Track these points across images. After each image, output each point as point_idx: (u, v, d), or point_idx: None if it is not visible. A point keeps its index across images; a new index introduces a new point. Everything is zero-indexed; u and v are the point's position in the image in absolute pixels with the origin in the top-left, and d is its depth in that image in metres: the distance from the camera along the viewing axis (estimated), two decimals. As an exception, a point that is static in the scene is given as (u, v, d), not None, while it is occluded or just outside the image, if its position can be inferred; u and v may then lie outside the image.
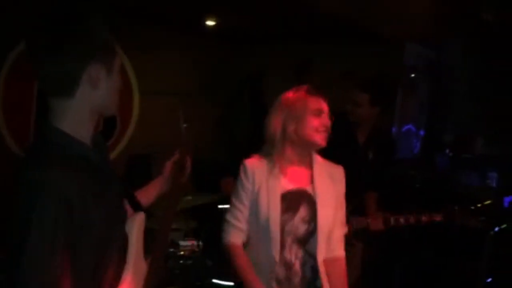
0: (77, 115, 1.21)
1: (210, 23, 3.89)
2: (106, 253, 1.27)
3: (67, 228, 1.10)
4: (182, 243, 3.35)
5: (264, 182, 1.89)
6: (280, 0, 3.14)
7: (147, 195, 1.60)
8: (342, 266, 1.99)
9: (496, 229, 3.64)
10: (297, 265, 1.91)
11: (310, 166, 1.95)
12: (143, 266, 1.43)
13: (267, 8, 3.38)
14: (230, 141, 4.48)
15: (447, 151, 4.55)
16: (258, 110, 4.38)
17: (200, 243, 3.33)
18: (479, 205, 3.82)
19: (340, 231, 2.00)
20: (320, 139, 1.87)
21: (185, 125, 1.73)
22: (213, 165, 3.92)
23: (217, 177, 3.69)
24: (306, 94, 1.89)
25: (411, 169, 3.99)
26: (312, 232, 1.90)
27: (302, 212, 1.90)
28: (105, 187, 1.27)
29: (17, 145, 3.43)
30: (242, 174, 1.95)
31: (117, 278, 1.32)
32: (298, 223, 1.89)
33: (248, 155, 2.00)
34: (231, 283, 2.18)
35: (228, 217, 1.98)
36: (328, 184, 1.93)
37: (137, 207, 1.48)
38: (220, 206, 3.65)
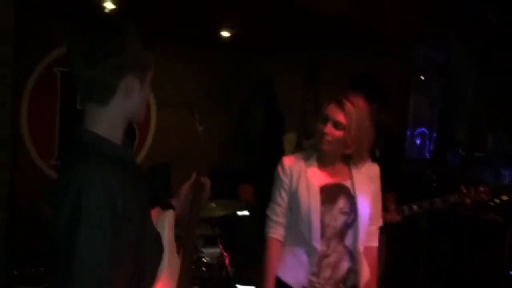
0: (110, 121, 1.28)
1: (223, 34, 3.97)
2: (144, 246, 1.32)
3: (113, 221, 1.15)
4: (205, 250, 3.42)
5: (303, 176, 2.00)
6: (287, 6, 3.21)
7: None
8: (374, 255, 2.09)
9: (516, 223, 3.68)
10: (331, 258, 1.98)
11: (348, 163, 2.04)
12: (176, 261, 1.49)
13: (274, 16, 3.46)
14: (245, 148, 4.54)
15: (460, 150, 4.59)
16: (273, 116, 4.46)
17: (222, 249, 3.40)
18: (497, 200, 3.87)
19: (375, 225, 2.10)
20: (320, 143, 1.96)
21: (202, 128, 1.80)
22: (230, 173, 3.99)
23: (234, 185, 3.75)
24: (331, 99, 1.97)
25: (426, 168, 4.03)
26: (350, 224, 1.98)
27: (341, 203, 1.98)
28: (137, 185, 1.33)
29: (41, 159, 3.51)
30: (280, 170, 2.06)
31: (154, 270, 1.39)
32: (337, 214, 1.97)
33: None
34: (253, 288, 2.24)
35: (268, 212, 2.09)
36: (366, 180, 2.02)
37: (167, 205, 1.55)
38: (239, 213, 3.71)
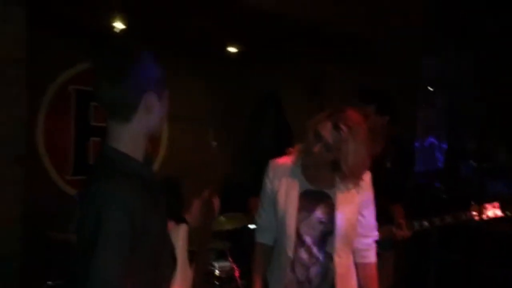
0: (133, 137, 1.36)
1: (230, 49, 4.05)
2: (162, 257, 1.41)
3: (130, 236, 1.24)
4: (216, 263, 3.45)
5: (285, 181, 1.94)
6: (291, 21, 3.27)
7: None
8: (372, 272, 2.02)
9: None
10: (316, 267, 1.94)
11: (334, 169, 1.89)
12: (189, 273, 1.58)
13: (278, 31, 3.52)
14: (254, 161, 4.58)
15: (471, 161, 4.58)
16: (283, 128, 4.50)
17: (232, 262, 3.42)
18: (509, 213, 3.84)
19: (369, 238, 2.02)
20: (307, 158, 1.89)
21: (215, 143, 1.85)
22: (239, 187, 4.02)
23: (244, 198, 3.78)
24: (329, 117, 1.84)
25: (436, 180, 4.03)
26: (328, 234, 1.91)
27: (319, 213, 1.92)
28: (156, 201, 1.40)
29: (58, 174, 3.60)
30: (265, 175, 2.01)
31: (169, 280, 1.47)
32: (314, 223, 1.91)
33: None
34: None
35: (256, 217, 2.08)
36: (351, 190, 1.90)
37: (181, 219, 1.62)
38: (250, 226, 3.73)
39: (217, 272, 3.40)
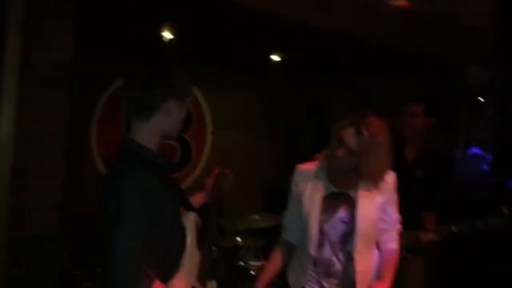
0: (150, 134, 1.59)
1: (275, 58, 4.19)
2: (174, 239, 1.61)
3: (148, 216, 1.46)
4: (252, 262, 3.58)
5: (310, 185, 2.04)
6: (338, 34, 3.36)
7: (195, 199, 1.96)
8: (391, 255, 2.07)
9: None
10: (337, 265, 2.02)
11: (357, 172, 1.97)
12: (197, 255, 1.75)
13: (328, 43, 3.61)
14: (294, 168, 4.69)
15: (521, 173, 4.39)
16: (325, 138, 4.57)
17: (265, 261, 3.51)
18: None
19: (393, 230, 2.10)
20: (331, 163, 1.95)
21: (212, 133, 2.03)
22: (282, 190, 4.14)
23: (281, 200, 3.89)
24: (350, 122, 1.91)
25: (481, 191, 3.92)
26: (350, 233, 1.98)
27: (341, 213, 2.00)
28: (170, 185, 1.63)
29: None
30: (292, 180, 2.13)
31: (179, 261, 1.65)
32: (337, 223, 1.99)
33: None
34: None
35: (282, 218, 2.20)
36: (373, 191, 1.98)
37: (189, 207, 1.80)
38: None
39: (252, 271, 3.52)
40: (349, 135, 1.88)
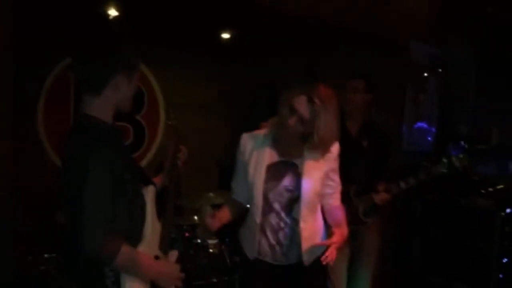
0: (103, 108, 1.62)
1: (224, 36, 4.18)
2: (134, 209, 1.65)
3: (111, 180, 1.50)
4: (210, 241, 3.61)
5: (255, 153, 2.08)
6: (287, 12, 3.39)
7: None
8: (338, 209, 2.18)
9: (508, 210, 3.74)
10: (285, 230, 2.10)
11: (303, 141, 2.03)
12: (158, 226, 1.79)
13: (278, 20, 3.64)
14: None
15: (462, 143, 4.65)
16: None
17: (227, 239, 3.57)
18: (490, 189, 3.95)
19: (336, 193, 2.20)
20: (281, 131, 2.01)
21: (170, 122, 2.09)
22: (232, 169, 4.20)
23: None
24: (302, 91, 1.94)
25: (425, 161, 4.12)
26: (295, 200, 2.06)
27: (286, 181, 2.07)
28: (127, 155, 1.70)
29: (57, 155, 3.81)
30: (238, 148, 2.17)
31: (140, 231, 1.69)
32: (282, 191, 2.07)
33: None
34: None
35: (231, 182, 2.26)
36: (318, 159, 2.05)
37: (147, 181, 1.83)
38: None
39: (211, 249, 3.57)
40: (301, 103, 1.91)
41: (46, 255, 3.03)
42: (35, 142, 3.74)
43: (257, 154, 2.07)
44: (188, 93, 4.52)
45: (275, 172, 2.07)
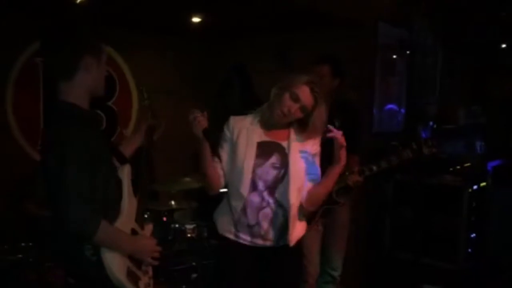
0: (77, 92, 1.69)
1: (194, 20, 4.14)
2: (110, 186, 1.73)
3: (89, 160, 1.58)
4: (188, 226, 3.64)
5: (244, 132, 2.17)
6: None
7: (129, 148, 2.08)
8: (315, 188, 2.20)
9: (475, 187, 3.90)
10: (266, 210, 2.15)
11: (289, 126, 2.20)
12: (134, 201, 1.88)
13: (243, 3, 3.64)
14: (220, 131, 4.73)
15: (431, 123, 4.78)
16: (250, 99, 4.64)
17: (205, 224, 3.59)
18: (458, 167, 4.10)
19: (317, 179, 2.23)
20: (278, 116, 2.11)
21: (146, 102, 2.19)
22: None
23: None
24: (306, 82, 2.08)
25: (395, 140, 4.24)
26: (281, 179, 2.14)
27: (273, 159, 2.15)
28: (102, 138, 1.80)
29: (28, 144, 3.74)
30: (225, 127, 2.24)
31: (117, 207, 1.78)
32: (269, 168, 2.14)
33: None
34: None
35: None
36: (304, 143, 2.18)
37: (123, 160, 1.93)
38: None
39: (189, 234, 3.59)
40: (305, 94, 2.07)
41: (23, 244, 3.00)
42: (3, 130, 3.67)
43: (246, 132, 2.17)
44: (158, 79, 4.49)
45: (264, 149, 2.16)
